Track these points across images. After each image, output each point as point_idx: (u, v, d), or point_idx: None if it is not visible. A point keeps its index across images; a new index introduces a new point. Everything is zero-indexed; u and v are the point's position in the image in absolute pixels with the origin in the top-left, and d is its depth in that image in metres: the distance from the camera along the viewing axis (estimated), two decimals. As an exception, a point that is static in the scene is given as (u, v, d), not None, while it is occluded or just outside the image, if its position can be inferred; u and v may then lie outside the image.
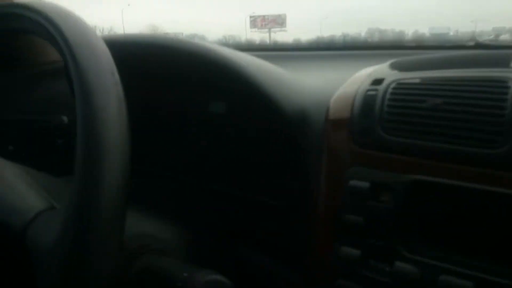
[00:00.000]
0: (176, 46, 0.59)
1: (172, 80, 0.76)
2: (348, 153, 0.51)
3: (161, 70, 0.67)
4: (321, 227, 0.53)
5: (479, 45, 0.80)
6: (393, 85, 0.50)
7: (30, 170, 0.48)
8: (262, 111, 0.58)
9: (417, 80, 0.49)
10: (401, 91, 0.49)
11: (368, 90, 0.52)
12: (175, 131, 0.81)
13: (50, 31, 0.41)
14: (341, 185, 0.51)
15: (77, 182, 0.34)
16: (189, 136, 0.81)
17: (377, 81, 0.52)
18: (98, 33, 0.42)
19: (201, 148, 0.77)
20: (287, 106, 0.56)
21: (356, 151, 0.50)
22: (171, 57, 0.60)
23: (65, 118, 0.83)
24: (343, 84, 0.59)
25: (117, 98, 0.37)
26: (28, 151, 0.84)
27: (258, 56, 0.64)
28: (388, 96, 0.49)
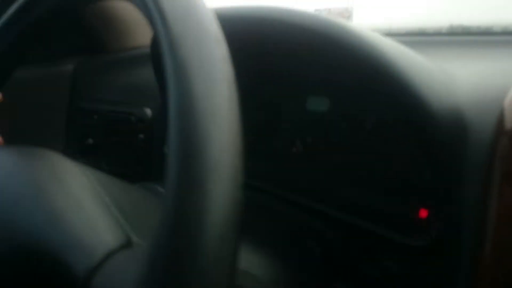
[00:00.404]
0: (307, 24, 0.45)
1: (292, 66, 0.62)
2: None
3: (280, 53, 0.53)
4: (488, 285, 0.36)
5: None
6: None
7: (107, 180, 0.37)
8: (407, 115, 0.42)
9: None
10: None
11: None
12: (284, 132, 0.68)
13: None
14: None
15: (169, 208, 0.21)
16: (298, 141, 0.67)
17: None
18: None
19: (321, 163, 0.63)
20: (438, 108, 0.40)
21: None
22: (297, 38, 0.46)
23: (148, 111, 0.74)
24: (509, 79, 0.42)
25: (227, 86, 0.23)
26: (107, 145, 0.76)
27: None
28: None
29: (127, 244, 0.28)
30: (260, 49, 0.53)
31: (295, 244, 0.53)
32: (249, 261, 0.42)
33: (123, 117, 0.75)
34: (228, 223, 0.21)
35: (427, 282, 0.45)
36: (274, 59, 0.59)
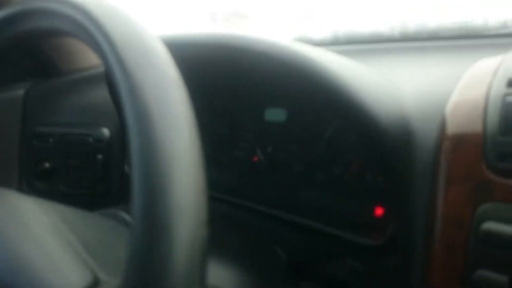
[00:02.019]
0: (248, 46, 0.46)
1: (240, 86, 0.64)
2: (480, 184, 0.37)
3: (228, 74, 0.54)
4: (438, 283, 0.39)
5: None
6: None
7: (71, 214, 0.37)
8: (353, 125, 0.44)
9: None
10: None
11: (507, 94, 0.37)
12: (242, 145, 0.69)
13: (90, 31, 0.29)
14: (468, 229, 0.37)
15: (135, 253, 0.22)
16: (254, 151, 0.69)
17: (517, 82, 0.38)
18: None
19: (277, 172, 0.64)
20: (385, 118, 0.42)
21: (492, 180, 0.36)
22: (242, 59, 0.47)
23: (106, 131, 0.73)
24: (451, 85, 0.45)
25: (188, 129, 0.24)
26: (65, 167, 0.75)
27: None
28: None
29: (95, 283, 0.28)
30: (214, 70, 0.55)
31: (259, 251, 0.54)
32: (214, 273, 0.43)
33: (80, 139, 0.74)
34: (195, 261, 0.22)
35: (388, 278, 0.48)
36: (229, 77, 0.60)
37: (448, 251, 0.38)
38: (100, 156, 0.73)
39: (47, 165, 0.75)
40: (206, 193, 0.24)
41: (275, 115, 0.65)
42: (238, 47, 0.46)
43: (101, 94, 0.74)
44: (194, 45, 0.50)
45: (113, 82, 0.27)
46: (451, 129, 0.40)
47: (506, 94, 0.38)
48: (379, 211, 0.53)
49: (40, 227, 0.32)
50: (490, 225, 0.36)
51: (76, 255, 0.30)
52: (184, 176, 0.23)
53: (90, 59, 0.80)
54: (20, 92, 0.78)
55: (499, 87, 0.39)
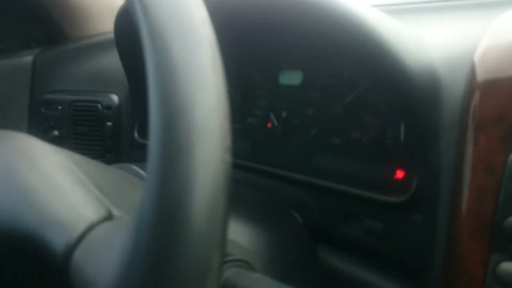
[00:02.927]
0: None
1: (255, 46, 0.61)
2: (512, 128, 0.35)
3: (254, 25, 0.52)
4: (467, 235, 0.37)
5: None
6: None
7: (83, 160, 0.35)
8: (382, 73, 0.42)
9: None
10: None
11: (543, 34, 0.35)
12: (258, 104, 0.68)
13: None
14: (499, 176, 0.35)
15: (154, 174, 0.20)
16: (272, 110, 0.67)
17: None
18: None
19: (293, 128, 0.63)
20: (414, 66, 0.40)
21: (526, 124, 0.34)
22: (273, 7, 0.45)
23: (115, 97, 0.71)
24: (478, 36, 0.43)
25: (209, 48, 0.22)
26: (74, 135, 0.74)
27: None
28: None
29: (108, 217, 0.27)
30: (233, 22, 0.53)
31: (275, 215, 0.53)
32: (235, 232, 0.42)
33: (88, 106, 0.72)
34: (218, 188, 0.20)
35: (409, 238, 0.46)
36: (247, 33, 0.58)
37: (478, 197, 0.36)
38: (109, 124, 0.71)
39: (56, 132, 0.74)
40: (230, 118, 0.22)
41: (290, 78, 0.63)
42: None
43: (110, 60, 0.73)
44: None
45: (121, 23, 0.25)
46: (481, 74, 0.38)
47: (542, 34, 0.35)
48: (399, 174, 0.51)
49: (49, 164, 0.30)
50: (524, 170, 0.34)
51: (89, 192, 0.28)
52: (206, 95, 0.21)
53: (98, 26, 0.79)
54: (28, 59, 0.77)
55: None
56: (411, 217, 0.45)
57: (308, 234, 0.54)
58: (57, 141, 0.74)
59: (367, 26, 0.40)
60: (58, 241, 0.25)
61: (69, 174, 0.30)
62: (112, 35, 0.67)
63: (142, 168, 0.45)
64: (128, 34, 0.62)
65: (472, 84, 0.39)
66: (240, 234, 0.43)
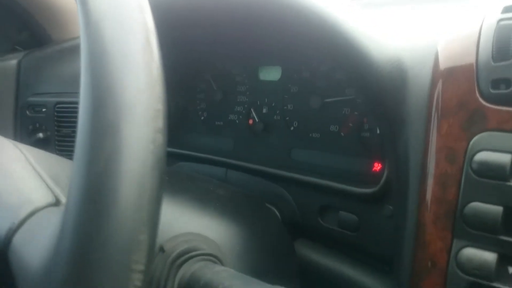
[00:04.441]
0: None
1: (234, 44, 0.62)
2: (474, 114, 0.35)
3: (234, 22, 0.52)
4: (431, 222, 0.37)
5: None
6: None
7: (44, 155, 0.36)
8: (349, 66, 0.42)
9: None
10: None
11: (501, 20, 0.35)
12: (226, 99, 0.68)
13: None
14: (461, 163, 0.35)
15: (81, 153, 0.20)
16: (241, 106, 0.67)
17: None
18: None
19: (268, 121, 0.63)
20: (380, 58, 0.40)
21: (487, 109, 0.34)
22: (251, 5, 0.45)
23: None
24: (442, 26, 0.43)
25: (143, 33, 0.22)
26: (58, 136, 0.74)
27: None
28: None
29: (55, 203, 0.27)
30: (213, 20, 0.53)
31: (254, 211, 0.53)
32: (206, 227, 0.42)
33: (72, 108, 0.73)
34: (146, 168, 0.20)
35: (380, 230, 0.46)
36: (226, 30, 0.58)
37: (441, 185, 0.36)
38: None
39: (40, 135, 0.74)
40: (164, 101, 0.22)
41: (270, 73, 0.64)
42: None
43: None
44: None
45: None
46: (443, 63, 0.38)
47: (501, 20, 0.35)
48: (377, 166, 0.52)
49: (7, 157, 0.31)
50: (483, 155, 0.34)
51: (39, 180, 0.29)
52: (136, 76, 0.21)
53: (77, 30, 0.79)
54: (13, 62, 0.77)
55: (493, 14, 0.37)
56: (383, 208, 0.45)
57: (286, 228, 0.54)
58: (42, 143, 0.74)
59: (331, 21, 0.40)
60: (1, 225, 0.25)
61: (23, 166, 0.31)
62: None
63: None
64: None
65: (435, 73, 0.39)
66: (211, 229, 0.43)
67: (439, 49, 0.40)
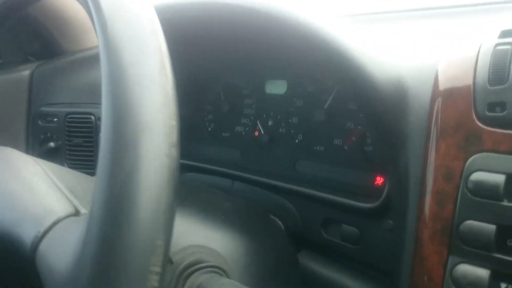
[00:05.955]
0: (259, 7, 0.45)
1: (241, 59, 0.64)
2: (471, 135, 0.36)
3: (229, 41, 0.54)
4: (428, 238, 0.38)
5: None
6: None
7: (60, 169, 0.38)
8: (351, 84, 0.44)
9: None
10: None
11: (498, 44, 0.37)
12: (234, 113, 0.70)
13: None
14: (457, 181, 0.37)
15: (103, 169, 0.22)
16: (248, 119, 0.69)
17: (508, 33, 0.37)
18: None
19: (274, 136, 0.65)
20: (381, 77, 0.42)
21: (482, 131, 0.36)
22: (252, 22, 0.47)
23: (108, 109, 0.74)
24: (443, 45, 0.45)
25: (158, 55, 0.25)
26: (69, 146, 0.76)
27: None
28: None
29: (75, 213, 0.30)
30: (220, 36, 0.55)
31: (258, 222, 0.54)
32: (212, 239, 0.43)
33: (82, 118, 0.75)
34: (162, 180, 0.22)
35: (381, 244, 0.48)
36: (233, 45, 0.60)
37: (438, 202, 0.37)
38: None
39: (52, 144, 0.77)
40: (178, 118, 0.24)
41: (276, 87, 0.66)
42: (237, 5, 0.45)
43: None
44: (193, 9, 0.50)
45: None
46: (443, 83, 0.40)
47: (497, 44, 0.37)
48: (379, 180, 0.53)
49: (29, 172, 0.33)
50: (479, 175, 0.35)
51: (59, 193, 0.32)
52: (152, 96, 0.23)
53: (93, 39, 0.81)
54: (26, 73, 0.80)
55: (491, 39, 0.38)
56: (384, 222, 0.47)
57: (290, 240, 0.56)
58: (53, 153, 0.76)
59: (334, 42, 0.42)
60: (28, 234, 0.28)
61: (44, 180, 0.33)
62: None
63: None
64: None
65: (435, 93, 0.41)
66: (217, 241, 0.44)
67: (439, 69, 0.42)
